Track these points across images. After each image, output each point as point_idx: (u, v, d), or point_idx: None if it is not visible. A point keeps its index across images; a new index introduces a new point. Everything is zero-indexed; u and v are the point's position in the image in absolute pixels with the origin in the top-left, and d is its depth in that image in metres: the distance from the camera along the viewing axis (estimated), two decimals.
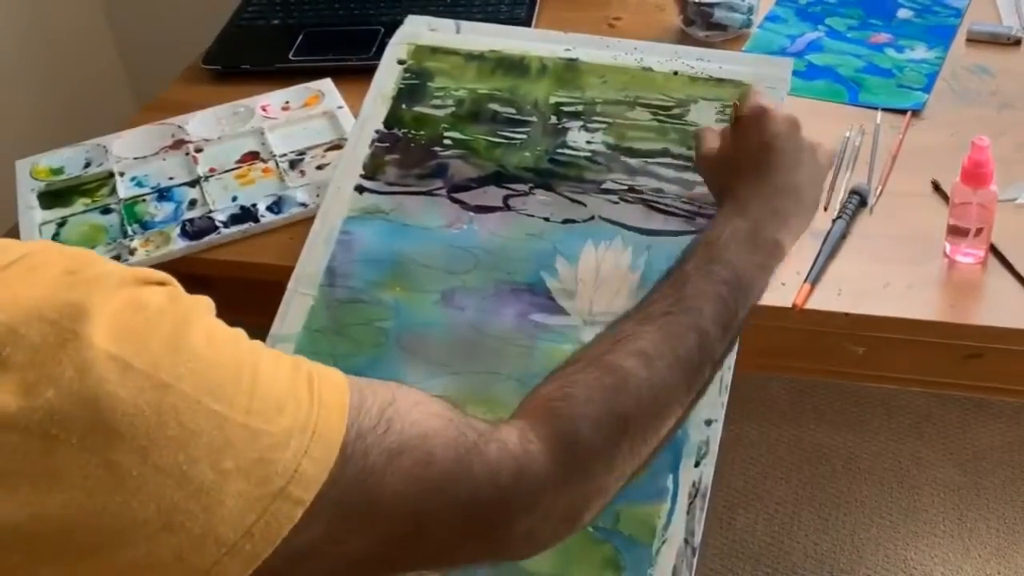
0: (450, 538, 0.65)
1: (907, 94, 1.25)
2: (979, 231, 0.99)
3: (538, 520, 0.66)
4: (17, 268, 0.56)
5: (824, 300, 0.99)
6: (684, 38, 1.39)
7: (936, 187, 1.10)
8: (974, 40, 1.34)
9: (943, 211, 1.04)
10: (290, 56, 1.40)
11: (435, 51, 1.15)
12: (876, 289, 0.99)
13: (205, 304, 0.61)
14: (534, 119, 1.09)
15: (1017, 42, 1.32)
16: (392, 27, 1.39)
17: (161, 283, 0.60)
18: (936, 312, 0.97)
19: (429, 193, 1.05)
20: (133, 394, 0.53)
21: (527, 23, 1.42)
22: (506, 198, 1.04)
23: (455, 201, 1.05)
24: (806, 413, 1.92)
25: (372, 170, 1.07)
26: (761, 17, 1.42)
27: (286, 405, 0.58)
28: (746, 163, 0.90)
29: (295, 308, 0.99)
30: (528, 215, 1.02)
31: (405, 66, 1.14)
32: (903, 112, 1.22)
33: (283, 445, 0.57)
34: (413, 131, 1.10)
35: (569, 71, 1.12)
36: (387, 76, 1.14)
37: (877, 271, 1.01)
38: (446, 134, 1.09)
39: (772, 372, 1.72)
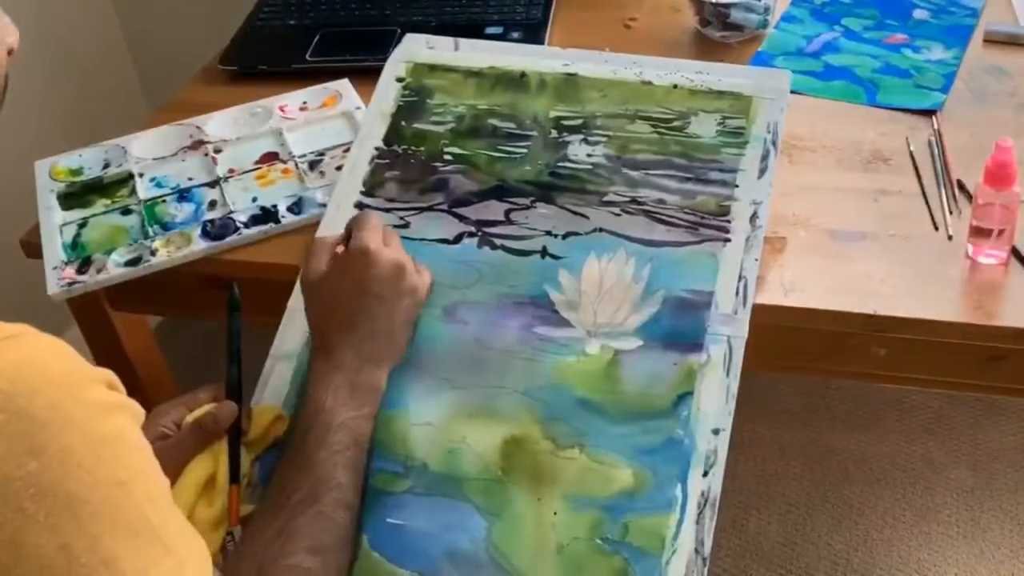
0: None
1: (925, 95, 1.25)
2: (1001, 232, 0.99)
3: None
4: (15, 343, 0.59)
5: (846, 301, 0.99)
6: (700, 39, 1.39)
7: (960, 187, 1.10)
8: (991, 41, 1.34)
9: (964, 211, 1.04)
10: (307, 56, 1.40)
11: (433, 68, 1.16)
12: (898, 290, 0.99)
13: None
14: (534, 133, 1.09)
15: None
16: (408, 27, 1.40)
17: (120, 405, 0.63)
18: (959, 313, 0.97)
19: (430, 208, 1.05)
20: (98, 487, 0.57)
21: (543, 24, 1.42)
22: (508, 212, 1.04)
23: (456, 216, 1.05)
24: (818, 414, 1.92)
25: (372, 186, 1.08)
26: (777, 18, 1.41)
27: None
28: (341, 310, 0.91)
29: (295, 326, 0.99)
30: (530, 228, 1.03)
31: (404, 83, 1.15)
32: (921, 113, 1.22)
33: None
34: (413, 147, 1.10)
35: (568, 86, 1.12)
36: (386, 94, 1.15)
37: (899, 272, 1.01)
38: (446, 149, 1.09)
39: (794, 373, 1.72)
